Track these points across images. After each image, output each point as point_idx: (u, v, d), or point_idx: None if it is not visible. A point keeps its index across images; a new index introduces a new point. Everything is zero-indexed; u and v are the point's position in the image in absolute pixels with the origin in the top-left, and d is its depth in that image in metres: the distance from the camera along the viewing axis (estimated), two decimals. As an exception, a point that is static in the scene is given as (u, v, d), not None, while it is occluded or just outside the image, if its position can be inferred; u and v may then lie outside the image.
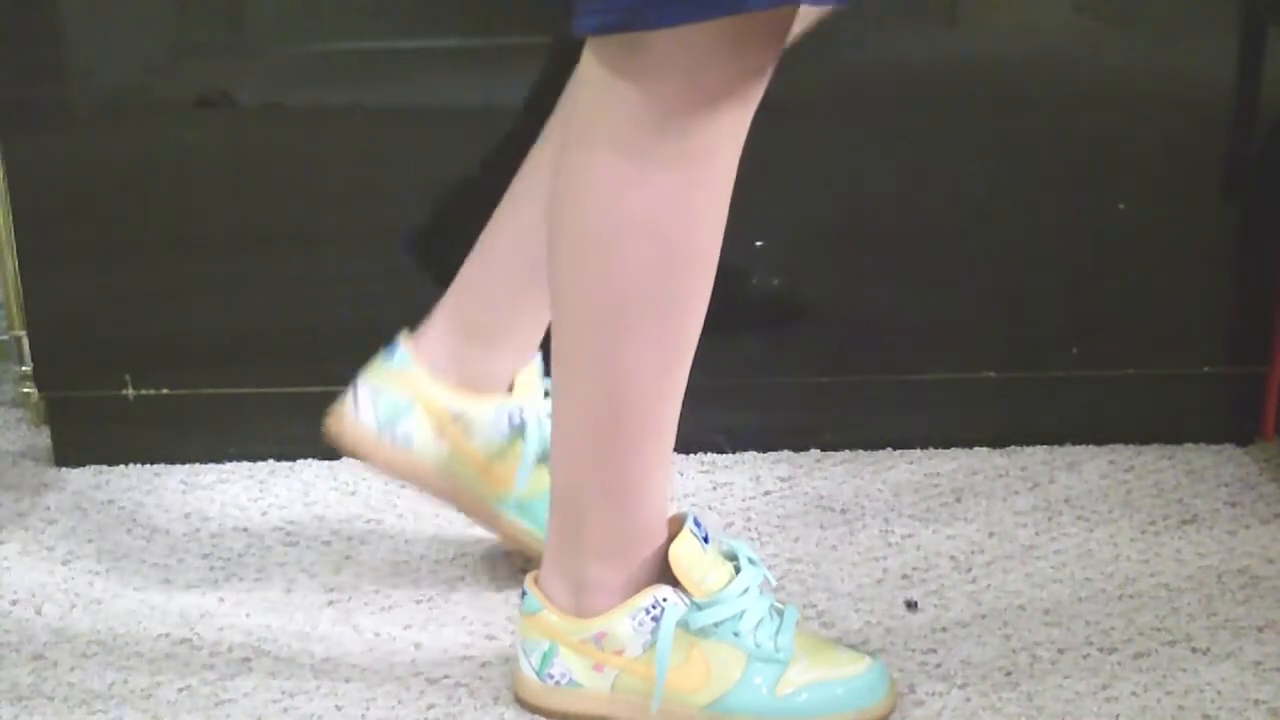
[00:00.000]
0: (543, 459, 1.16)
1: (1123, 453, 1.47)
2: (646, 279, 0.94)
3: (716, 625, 1.02)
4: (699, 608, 1.01)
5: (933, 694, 1.09)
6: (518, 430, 1.17)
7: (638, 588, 1.03)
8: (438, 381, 1.16)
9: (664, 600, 1.01)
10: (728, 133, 0.92)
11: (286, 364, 1.46)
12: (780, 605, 1.06)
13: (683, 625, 1.02)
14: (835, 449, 1.49)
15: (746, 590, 1.03)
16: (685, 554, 1.01)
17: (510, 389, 1.18)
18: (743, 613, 1.02)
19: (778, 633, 1.03)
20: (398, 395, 1.16)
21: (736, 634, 1.02)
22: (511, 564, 1.28)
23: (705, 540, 1.03)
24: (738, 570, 1.04)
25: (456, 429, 1.16)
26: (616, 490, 1.01)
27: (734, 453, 1.45)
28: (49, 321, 1.45)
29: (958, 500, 1.39)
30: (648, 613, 1.02)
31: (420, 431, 1.16)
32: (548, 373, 1.09)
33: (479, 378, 1.17)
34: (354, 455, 1.18)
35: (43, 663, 1.16)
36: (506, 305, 1.17)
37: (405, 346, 1.17)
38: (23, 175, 1.41)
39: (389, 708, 1.09)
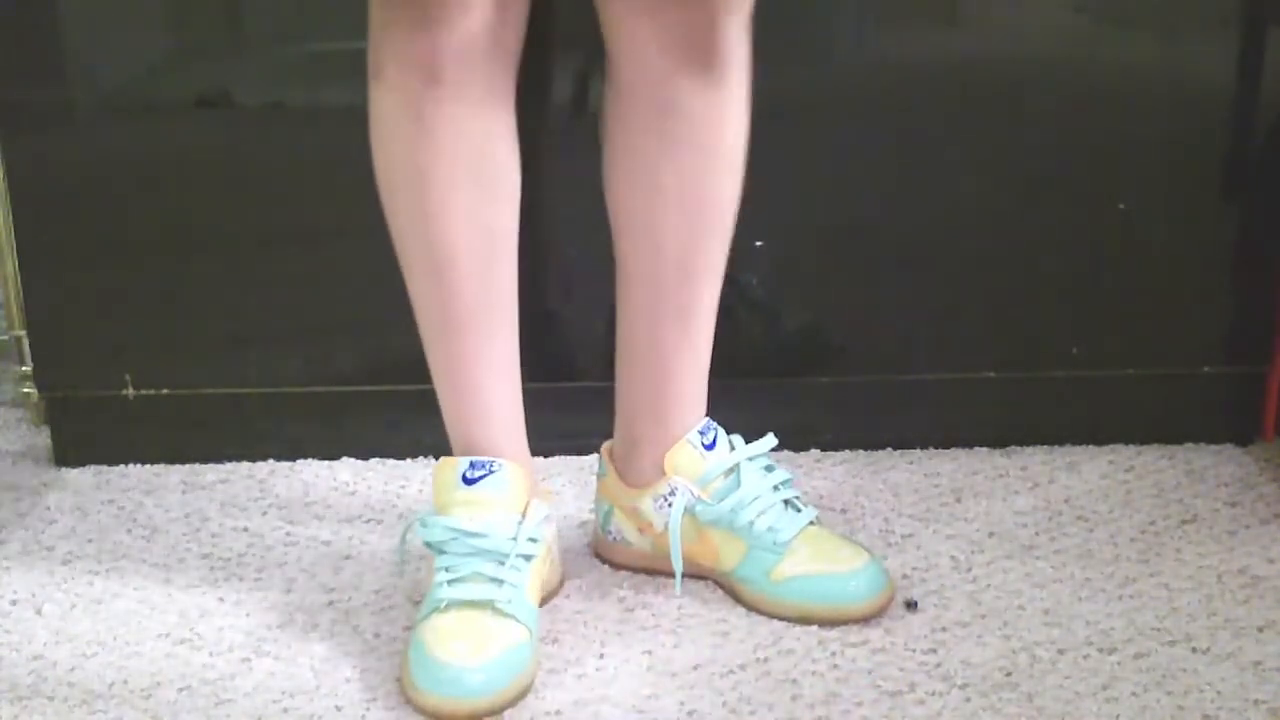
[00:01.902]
0: (719, 524, 1.20)
1: (1123, 453, 1.47)
2: (384, 188, 1.15)
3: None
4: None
5: (933, 694, 1.09)
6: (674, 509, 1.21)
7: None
8: (622, 483, 1.25)
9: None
10: (404, 105, 1.10)
11: (286, 364, 1.46)
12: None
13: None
14: (835, 449, 1.49)
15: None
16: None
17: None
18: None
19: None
20: (602, 501, 1.27)
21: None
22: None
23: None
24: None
25: (643, 521, 1.24)
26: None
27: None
28: (49, 321, 1.45)
29: (958, 500, 1.39)
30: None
31: (627, 530, 1.26)
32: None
33: (638, 473, 1.24)
34: (602, 560, 1.29)
35: (43, 663, 1.16)
36: (630, 408, 1.24)
37: (603, 453, 1.27)
38: (23, 175, 1.41)
39: (389, 708, 1.09)
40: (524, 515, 1.15)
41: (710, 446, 1.20)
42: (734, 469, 1.20)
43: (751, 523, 1.19)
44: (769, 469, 1.22)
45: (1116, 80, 1.38)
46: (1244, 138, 1.39)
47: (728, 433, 1.23)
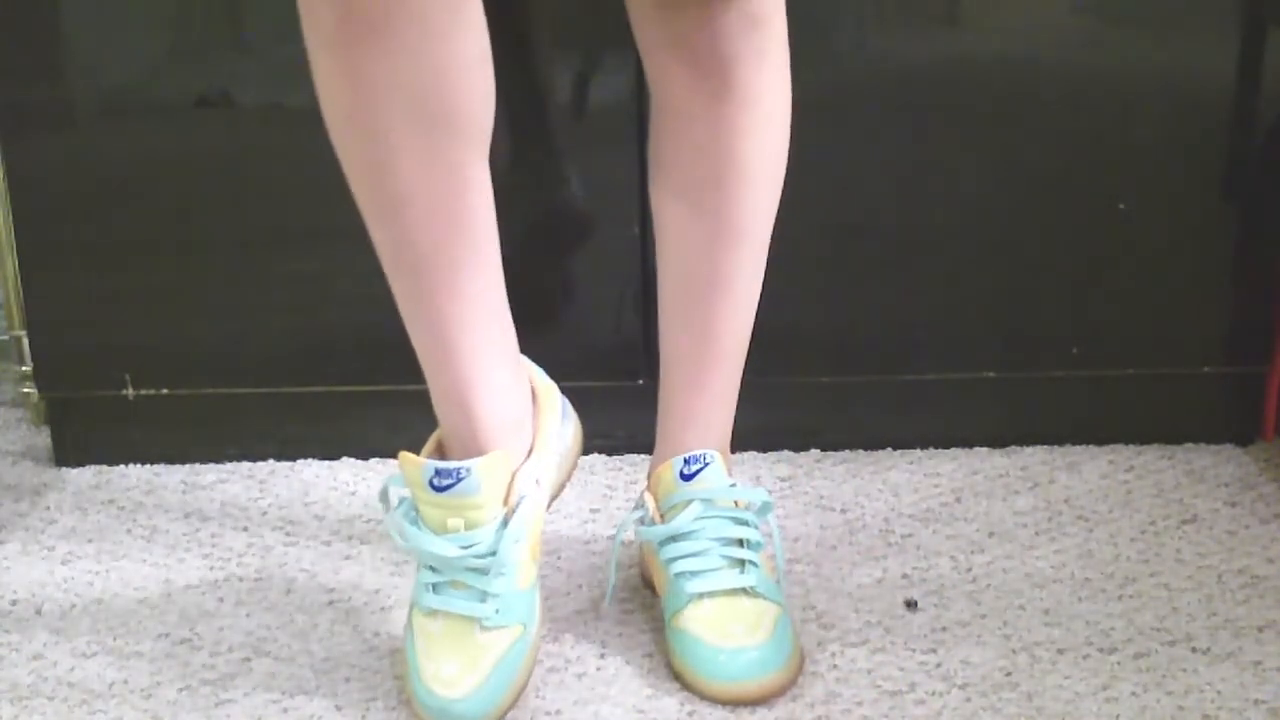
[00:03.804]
0: (655, 549, 1.18)
1: (1123, 453, 1.47)
2: (333, 137, 1.06)
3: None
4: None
5: (933, 694, 1.09)
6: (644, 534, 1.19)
7: None
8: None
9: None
10: (329, 53, 1.03)
11: (286, 364, 1.46)
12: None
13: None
14: (835, 449, 1.49)
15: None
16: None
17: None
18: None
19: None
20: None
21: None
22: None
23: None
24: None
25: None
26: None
27: (734, 452, 1.45)
28: (49, 321, 1.45)
29: (958, 500, 1.39)
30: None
31: None
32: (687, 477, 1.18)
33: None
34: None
35: (43, 663, 1.16)
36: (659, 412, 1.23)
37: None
38: (23, 175, 1.41)
39: (389, 708, 1.09)
40: (508, 507, 1.08)
41: (689, 477, 1.15)
42: (689, 503, 1.15)
43: (671, 561, 1.14)
44: (740, 522, 1.15)
45: (1116, 80, 1.38)
46: (1244, 138, 1.39)
47: (733, 432, 1.22)
